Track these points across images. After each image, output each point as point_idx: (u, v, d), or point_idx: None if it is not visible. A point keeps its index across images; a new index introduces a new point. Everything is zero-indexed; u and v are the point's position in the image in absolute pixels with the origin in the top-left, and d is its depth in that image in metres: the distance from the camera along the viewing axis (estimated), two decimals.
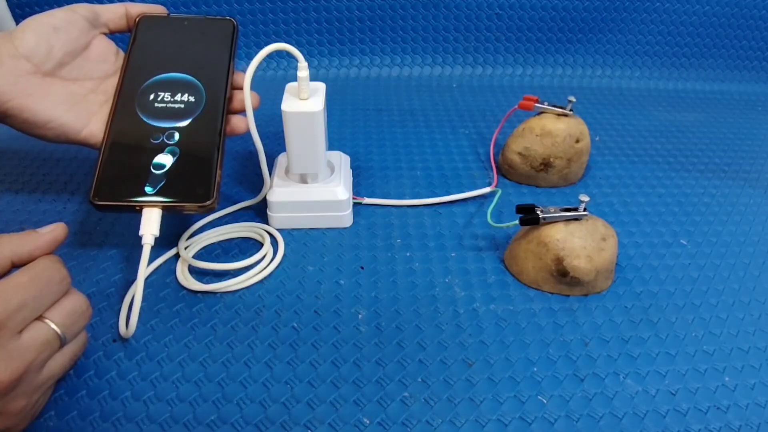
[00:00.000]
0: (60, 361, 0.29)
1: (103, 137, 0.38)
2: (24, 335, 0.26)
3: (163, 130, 0.38)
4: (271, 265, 0.41)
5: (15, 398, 0.27)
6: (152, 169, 0.37)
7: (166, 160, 0.37)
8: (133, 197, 0.36)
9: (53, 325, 0.28)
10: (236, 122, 0.41)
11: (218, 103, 0.39)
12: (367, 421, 0.31)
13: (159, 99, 0.39)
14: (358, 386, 0.33)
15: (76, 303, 0.29)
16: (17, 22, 0.71)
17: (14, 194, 0.49)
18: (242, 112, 0.42)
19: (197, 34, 0.42)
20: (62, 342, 0.28)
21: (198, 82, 0.40)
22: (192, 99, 0.39)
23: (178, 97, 0.39)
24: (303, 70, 0.40)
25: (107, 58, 0.41)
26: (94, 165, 0.37)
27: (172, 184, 0.36)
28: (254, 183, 0.51)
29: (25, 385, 0.27)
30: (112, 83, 0.41)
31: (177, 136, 0.38)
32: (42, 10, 0.69)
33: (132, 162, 0.37)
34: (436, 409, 0.32)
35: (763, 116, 0.73)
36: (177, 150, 0.37)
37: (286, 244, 0.44)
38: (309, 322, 0.37)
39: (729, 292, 0.42)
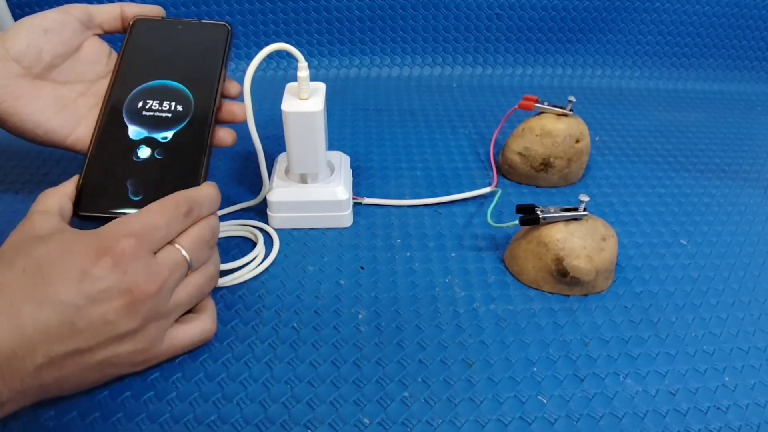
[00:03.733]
0: (186, 289, 0.32)
1: (89, 145, 0.37)
2: (158, 255, 0.30)
3: (149, 140, 0.37)
4: (264, 262, 0.41)
5: (150, 320, 0.30)
6: (136, 180, 0.36)
7: (150, 170, 0.37)
8: (117, 208, 0.35)
9: (183, 251, 0.31)
10: (223, 135, 0.41)
11: (206, 112, 0.39)
12: (367, 421, 0.31)
13: (147, 107, 0.38)
14: (358, 386, 0.33)
15: (202, 231, 0.33)
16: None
17: (14, 194, 0.49)
18: (230, 123, 0.42)
19: (191, 39, 0.41)
20: (189, 266, 0.32)
21: (187, 90, 0.39)
22: (180, 108, 0.38)
23: (165, 106, 0.38)
24: (303, 70, 0.40)
25: (99, 60, 0.41)
26: (79, 173, 0.36)
27: (156, 195, 0.36)
28: (254, 183, 0.51)
29: (160, 304, 0.30)
30: (103, 85, 0.40)
31: (163, 146, 0.37)
32: (42, 9, 0.70)
33: (116, 172, 0.36)
34: (436, 409, 0.32)
35: (763, 116, 0.73)
36: (162, 160, 0.37)
37: (286, 244, 0.44)
38: (309, 322, 0.37)
39: (729, 292, 0.42)
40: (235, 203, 0.48)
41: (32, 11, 0.69)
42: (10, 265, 0.27)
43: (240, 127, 0.42)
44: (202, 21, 0.42)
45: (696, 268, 0.44)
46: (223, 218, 0.46)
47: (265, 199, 0.45)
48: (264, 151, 0.43)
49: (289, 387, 0.33)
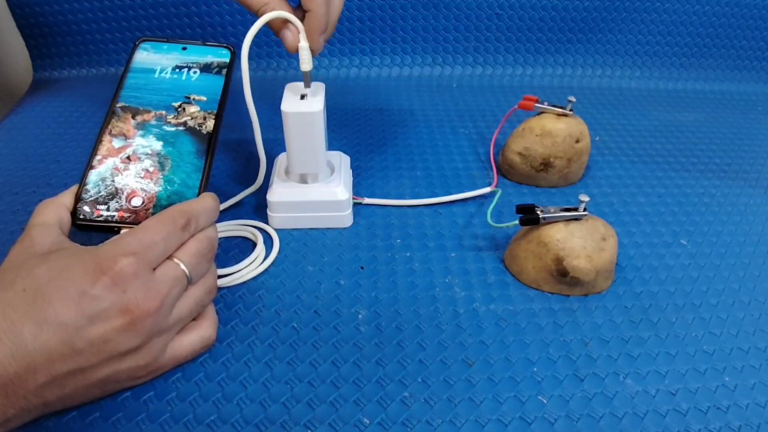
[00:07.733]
0: (186, 304, 0.32)
1: (90, 156, 0.38)
2: (158, 272, 0.30)
3: (150, 154, 0.38)
4: (264, 262, 0.42)
5: (151, 337, 0.30)
6: (136, 189, 0.36)
7: (150, 180, 0.37)
8: (116, 218, 0.36)
9: (182, 265, 0.31)
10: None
11: (209, 130, 0.39)
12: (367, 421, 0.31)
13: (149, 123, 0.39)
14: (358, 386, 0.33)
15: (200, 245, 0.32)
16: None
17: (14, 195, 0.49)
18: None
19: (194, 59, 0.42)
20: (189, 280, 0.32)
21: (190, 108, 0.40)
22: (181, 126, 0.39)
23: (168, 122, 0.39)
24: (303, 40, 0.40)
25: None
26: (79, 182, 0.37)
27: (156, 205, 0.36)
28: (253, 182, 0.51)
29: (160, 320, 0.30)
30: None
31: (163, 156, 0.38)
32: (42, 10, 0.70)
33: (116, 181, 0.37)
34: (436, 409, 0.32)
35: (763, 116, 0.73)
36: (162, 170, 0.37)
37: (286, 244, 0.44)
38: (309, 322, 0.37)
39: (729, 292, 0.42)
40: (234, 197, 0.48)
41: (32, 11, 0.70)
42: (11, 284, 0.27)
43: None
44: (206, 42, 0.43)
45: (696, 268, 0.44)
46: (222, 216, 0.46)
47: (262, 189, 0.45)
48: (263, 153, 0.43)
49: (289, 387, 0.33)
